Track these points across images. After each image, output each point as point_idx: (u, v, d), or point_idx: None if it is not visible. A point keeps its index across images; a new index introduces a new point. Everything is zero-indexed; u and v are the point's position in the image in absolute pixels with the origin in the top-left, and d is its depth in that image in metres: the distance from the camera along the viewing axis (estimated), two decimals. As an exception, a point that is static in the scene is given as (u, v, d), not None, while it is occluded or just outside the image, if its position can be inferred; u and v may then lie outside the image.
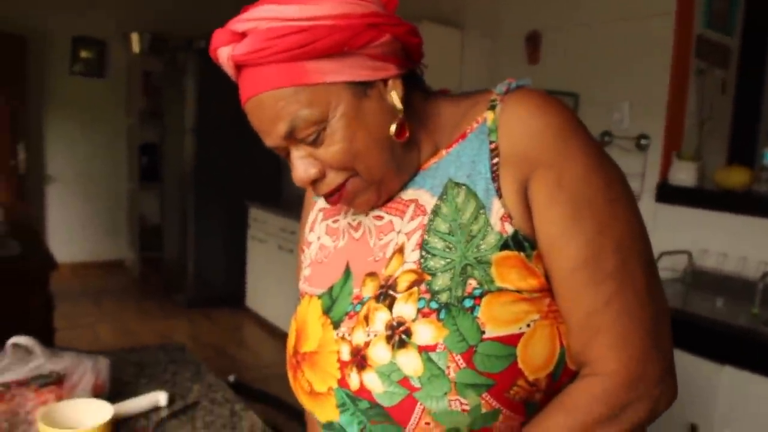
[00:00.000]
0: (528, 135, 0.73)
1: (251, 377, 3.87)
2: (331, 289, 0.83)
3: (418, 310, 0.72)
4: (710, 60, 2.93)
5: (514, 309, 0.71)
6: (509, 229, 0.72)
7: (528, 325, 0.71)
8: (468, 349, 0.70)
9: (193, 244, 5.25)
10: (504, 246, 0.72)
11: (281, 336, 4.44)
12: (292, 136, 0.75)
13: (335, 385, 0.78)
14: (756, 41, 2.98)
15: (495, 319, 0.70)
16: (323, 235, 0.91)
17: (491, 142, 0.75)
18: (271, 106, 0.74)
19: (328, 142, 0.75)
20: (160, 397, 1.39)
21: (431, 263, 0.74)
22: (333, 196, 0.80)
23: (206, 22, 6.11)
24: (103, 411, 1.21)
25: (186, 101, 5.17)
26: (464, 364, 0.69)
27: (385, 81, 0.77)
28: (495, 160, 0.74)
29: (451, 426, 0.72)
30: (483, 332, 0.70)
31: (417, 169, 0.82)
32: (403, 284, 0.75)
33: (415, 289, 0.74)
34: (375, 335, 0.74)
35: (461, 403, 0.70)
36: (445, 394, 0.70)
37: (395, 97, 0.77)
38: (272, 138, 0.77)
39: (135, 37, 5.94)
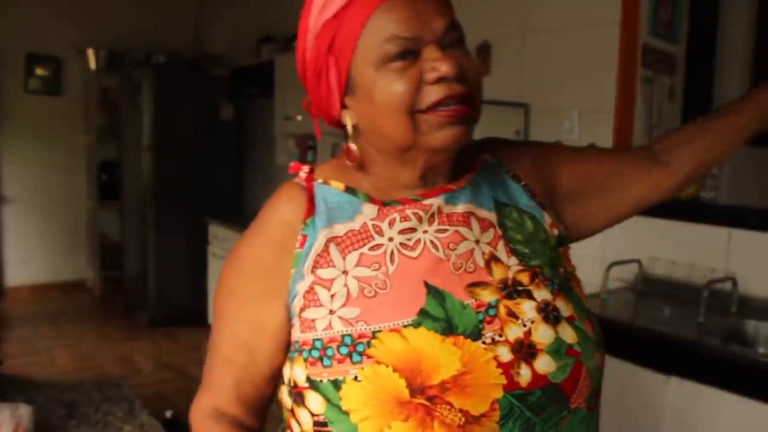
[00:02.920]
0: (525, 156, 0.95)
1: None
2: (423, 312, 0.77)
3: (551, 292, 0.83)
4: (657, 68, 2.95)
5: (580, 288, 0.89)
6: (556, 232, 0.91)
7: None
8: (588, 316, 0.85)
9: (154, 262, 5.17)
10: (559, 244, 0.90)
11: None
12: (451, 29, 0.81)
13: (500, 394, 0.75)
14: (701, 48, 3.01)
15: (582, 294, 0.88)
16: (353, 267, 0.81)
17: (508, 171, 0.92)
18: (437, 2, 0.80)
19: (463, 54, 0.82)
20: (86, 442, 1.35)
21: (533, 262, 0.85)
22: (463, 102, 0.79)
23: (163, 38, 6.12)
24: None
25: (143, 118, 5.10)
26: (591, 326, 0.85)
27: None
28: (523, 183, 0.92)
29: (595, 385, 0.83)
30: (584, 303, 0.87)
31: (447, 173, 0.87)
32: (525, 280, 0.83)
33: (538, 279, 0.84)
34: (532, 322, 0.80)
35: (599, 360, 0.83)
36: (593, 352, 0.82)
37: None
38: (431, 28, 0.79)
39: (91, 54, 5.86)
